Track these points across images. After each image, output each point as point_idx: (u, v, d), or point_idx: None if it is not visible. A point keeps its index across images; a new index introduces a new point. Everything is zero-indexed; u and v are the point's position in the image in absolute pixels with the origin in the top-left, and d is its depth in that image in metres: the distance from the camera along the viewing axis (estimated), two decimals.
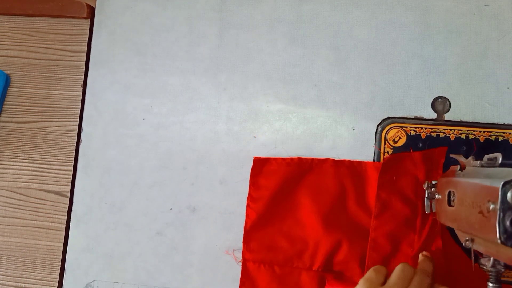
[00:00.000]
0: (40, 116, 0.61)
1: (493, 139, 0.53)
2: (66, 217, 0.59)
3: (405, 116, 0.55)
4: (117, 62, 0.60)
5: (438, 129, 0.54)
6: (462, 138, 0.53)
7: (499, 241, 0.33)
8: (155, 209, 0.57)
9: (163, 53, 0.60)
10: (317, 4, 0.58)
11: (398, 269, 0.44)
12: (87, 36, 0.62)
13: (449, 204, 0.44)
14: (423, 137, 0.54)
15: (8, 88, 0.62)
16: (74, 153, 0.60)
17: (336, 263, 0.52)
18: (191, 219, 0.56)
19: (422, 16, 0.57)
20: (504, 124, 0.54)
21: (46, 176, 0.60)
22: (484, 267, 0.42)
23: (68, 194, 0.59)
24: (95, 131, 0.59)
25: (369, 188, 0.53)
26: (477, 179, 0.39)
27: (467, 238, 0.40)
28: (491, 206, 0.34)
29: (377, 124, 0.55)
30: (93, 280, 0.56)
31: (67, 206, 0.59)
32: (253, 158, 0.56)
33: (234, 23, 0.59)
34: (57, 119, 0.61)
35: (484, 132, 0.53)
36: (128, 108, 0.59)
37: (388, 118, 0.55)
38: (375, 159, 0.55)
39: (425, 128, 0.54)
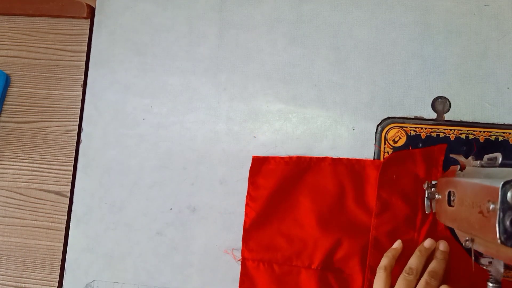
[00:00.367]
0: (40, 116, 0.61)
1: (493, 139, 0.53)
2: (66, 217, 0.59)
3: (405, 116, 0.55)
4: (117, 62, 0.60)
5: (438, 129, 0.54)
6: (462, 138, 0.53)
7: (499, 241, 0.33)
8: (155, 209, 0.57)
9: (163, 53, 0.60)
10: (317, 4, 0.58)
11: (403, 272, 0.44)
12: (87, 36, 0.62)
13: (449, 204, 0.44)
14: (423, 137, 0.54)
15: (8, 88, 0.62)
16: (74, 153, 0.60)
17: (335, 261, 0.52)
18: (191, 219, 0.56)
19: (422, 16, 0.57)
20: (504, 124, 0.54)
21: (46, 176, 0.60)
22: (484, 267, 0.42)
23: (68, 194, 0.59)
24: (95, 131, 0.59)
25: (367, 185, 0.53)
26: (477, 179, 0.39)
27: (467, 238, 0.40)
28: (491, 206, 0.34)
29: (377, 124, 0.55)
30: (93, 280, 0.56)
31: (67, 206, 0.59)
32: (251, 157, 0.56)
33: (234, 23, 0.59)
34: (57, 119, 0.61)
35: (484, 132, 0.53)
36: (128, 108, 0.59)
37: (388, 118, 0.55)
38: (376, 159, 0.55)
39: (425, 128, 0.54)
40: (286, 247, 0.53)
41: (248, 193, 0.55)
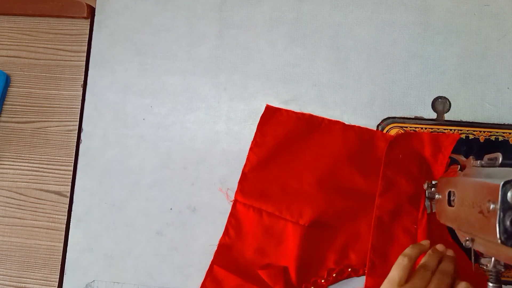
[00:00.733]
0: (40, 116, 0.61)
1: (493, 139, 0.53)
2: (66, 217, 0.59)
3: (405, 116, 0.55)
4: (117, 62, 0.60)
5: (438, 129, 0.54)
6: (462, 138, 0.53)
7: (499, 241, 0.33)
8: (155, 209, 0.57)
9: (163, 53, 0.60)
10: (317, 4, 0.58)
11: (419, 267, 0.44)
12: (87, 36, 0.62)
13: (449, 204, 0.44)
14: None
15: (8, 88, 0.62)
16: (74, 153, 0.60)
17: (325, 222, 0.52)
18: (191, 219, 0.56)
19: (422, 16, 0.57)
20: (504, 124, 0.54)
21: (46, 176, 0.60)
22: (484, 267, 0.42)
23: (68, 194, 0.59)
24: (95, 131, 0.59)
25: (372, 155, 0.53)
26: (477, 179, 0.39)
27: (467, 238, 0.40)
28: (491, 206, 0.34)
29: (377, 124, 0.55)
30: (93, 280, 0.56)
31: (67, 206, 0.59)
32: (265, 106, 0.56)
33: (234, 23, 0.59)
34: (57, 119, 0.61)
35: (484, 132, 0.53)
36: (128, 108, 0.59)
37: (388, 118, 0.55)
38: None
39: (425, 128, 0.54)
40: (279, 197, 0.53)
41: (254, 138, 0.55)
